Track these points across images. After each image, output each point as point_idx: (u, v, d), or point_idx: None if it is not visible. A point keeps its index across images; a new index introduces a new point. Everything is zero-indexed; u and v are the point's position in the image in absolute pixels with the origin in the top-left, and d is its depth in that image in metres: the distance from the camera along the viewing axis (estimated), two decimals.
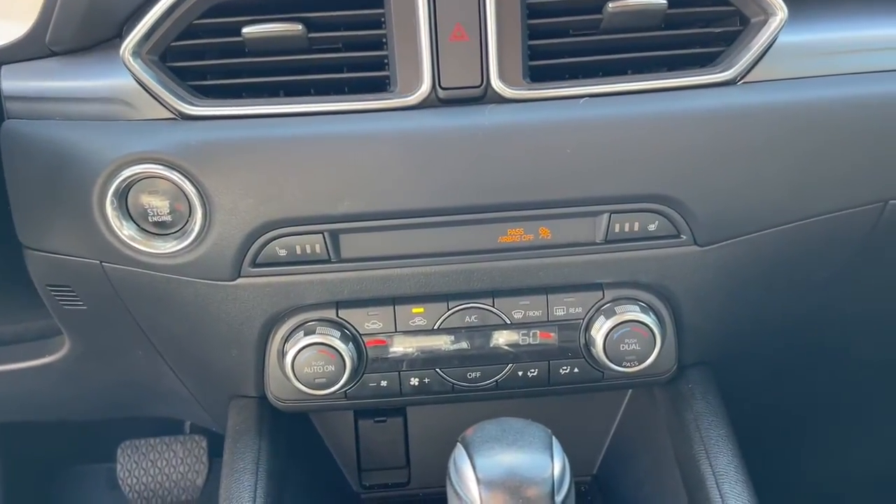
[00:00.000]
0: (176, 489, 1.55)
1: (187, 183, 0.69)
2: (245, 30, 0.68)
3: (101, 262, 0.75)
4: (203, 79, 0.71)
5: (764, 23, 0.70)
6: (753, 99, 0.71)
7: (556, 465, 0.55)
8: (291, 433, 0.88)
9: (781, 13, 0.69)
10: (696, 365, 0.86)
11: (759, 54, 0.71)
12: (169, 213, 0.71)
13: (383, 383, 0.81)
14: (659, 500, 0.86)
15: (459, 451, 0.57)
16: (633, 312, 0.77)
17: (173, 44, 0.70)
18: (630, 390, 0.94)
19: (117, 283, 0.76)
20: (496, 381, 0.81)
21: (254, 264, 0.74)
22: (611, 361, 0.78)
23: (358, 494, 0.97)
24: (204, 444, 1.54)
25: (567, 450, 0.61)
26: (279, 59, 0.70)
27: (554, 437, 0.58)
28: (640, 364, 0.78)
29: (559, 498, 0.54)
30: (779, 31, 0.70)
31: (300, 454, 0.90)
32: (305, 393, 0.78)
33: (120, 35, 0.73)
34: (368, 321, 0.78)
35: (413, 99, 0.69)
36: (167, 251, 0.72)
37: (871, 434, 1.17)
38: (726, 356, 0.86)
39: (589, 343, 0.79)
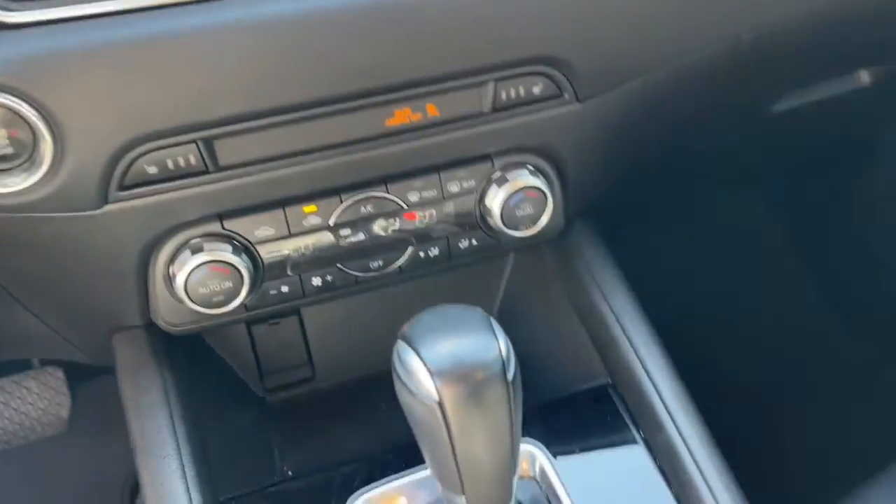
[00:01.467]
0: (39, 426, 1.46)
1: (25, 106, 0.59)
2: None
3: None
4: None
5: None
6: None
7: (501, 344, 0.56)
8: (187, 355, 0.84)
9: None
10: (581, 217, 0.89)
11: None
12: (9, 145, 0.60)
13: (284, 289, 0.77)
14: (559, 346, 0.90)
15: (403, 348, 0.57)
16: (525, 178, 0.77)
17: None
18: (512, 254, 0.96)
19: None
20: (399, 266, 0.80)
21: (121, 187, 0.66)
22: (508, 228, 0.79)
23: (263, 399, 0.95)
24: (60, 374, 1.44)
25: None
26: None
27: (492, 318, 0.58)
28: (534, 226, 0.80)
29: (510, 376, 0.56)
30: None
31: (200, 374, 0.86)
32: (202, 314, 0.73)
33: None
34: (258, 228, 0.73)
35: None
36: (16, 188, 0.62)
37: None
38: (607, 204, 0.90)
39: (485, 214, 0.79)
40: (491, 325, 0.57)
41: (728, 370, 0.88)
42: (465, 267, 0.86)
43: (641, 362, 0.77)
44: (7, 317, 0.83)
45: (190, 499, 0.68)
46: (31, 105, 0.59)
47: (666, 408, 0.74)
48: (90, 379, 1.44)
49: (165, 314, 0.75)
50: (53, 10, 0.59)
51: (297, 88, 0.65)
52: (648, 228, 1.06)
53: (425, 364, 0.55)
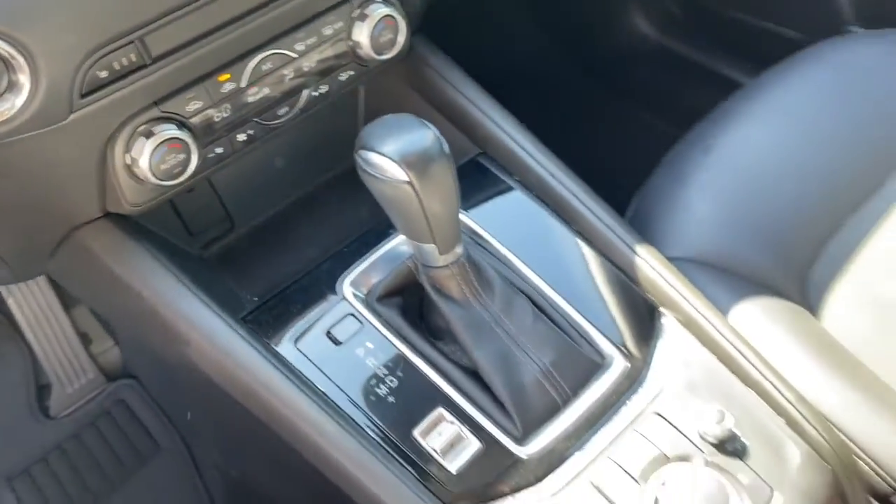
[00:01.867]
0: None
1: (3, 44, 0.68)
2: None
3: None
4: None
5: None
6: None
7: (433, 130, 0.79)
8: (139, 231, 0.97)
9: None
10: (416, 34, 1.10)
11: None
12: None
13: (219, 150, 0.92)
14: None
15: (366, 153, 0.77)
16: (380, 9, 0.96)
17: None
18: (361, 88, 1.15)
19: None
20: (300, 108, 0.97)
21: (81, 96, 0.77)
22: (377, 55, 0.98)
23: (201, 256, 1.11)
24: None
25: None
26: None
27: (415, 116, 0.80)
28: (394, 48, 1.00)
29: (446, 149, 0.79)
30: None
31: (154, 243, 0.99)
32: (164, 186, 0.88)
33: None
34: (188, 105, 0.87)
35: None
36: (8, 115, 0.72)
37: None
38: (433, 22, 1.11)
39: (356, 48, 0.98)
40: (421, 121, 0.80)
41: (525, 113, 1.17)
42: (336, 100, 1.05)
43: (505, 131, 1.04)
44: None
45: (223, 319, 0.87)
46: (8, 43, 0.68)
47: (531, 157, 1.02)
48: None
49: (130, 197, 0.88)
50: None
51: None
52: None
53: (390, 158, 0.77)
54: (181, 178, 0.88)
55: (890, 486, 0.90)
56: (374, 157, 0.78)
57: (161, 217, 1.06)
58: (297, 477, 1.09)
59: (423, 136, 0.79)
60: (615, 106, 1.87)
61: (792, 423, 0.86)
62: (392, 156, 0.77)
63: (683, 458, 0.81)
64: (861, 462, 0.90)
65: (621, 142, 1.69)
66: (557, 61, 1.97)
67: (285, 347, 0.89)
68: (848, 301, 1.09)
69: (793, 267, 1.12)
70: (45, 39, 0.71)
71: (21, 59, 0.70)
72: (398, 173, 0.77)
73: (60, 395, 1.53)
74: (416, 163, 0.77)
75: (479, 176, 1.04)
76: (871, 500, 0.87)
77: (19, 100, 0.72)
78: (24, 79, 0.71)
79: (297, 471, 1.04)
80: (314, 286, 0.94)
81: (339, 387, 0.86)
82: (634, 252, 0.98)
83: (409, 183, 0.78)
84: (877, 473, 0.90)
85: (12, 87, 0.72)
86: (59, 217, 0.91)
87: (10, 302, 1.51)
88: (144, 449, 1.51)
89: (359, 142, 0.80)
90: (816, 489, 0.83)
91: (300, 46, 0.93)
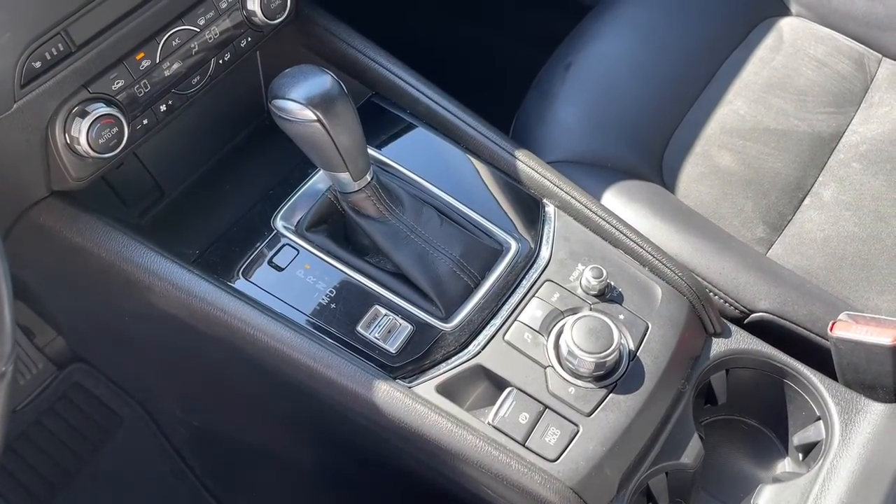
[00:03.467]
0: None
1: None
2: None
3: None
4: None
5: None
6: None
7: (331, 75, 0.94)
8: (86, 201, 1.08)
9: None
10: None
11: None
12: None
13: (145, 121, 1.05)
14: None
15: (278, 100, 0.92)
16: None
17: None
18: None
19: None
20: (209, 76, 1.10)
21: (20, 86, 0.89)
22: (269, 20, 1.12)
23: (139, 224, 1.22)
24: None
25: None
26: None
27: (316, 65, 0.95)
28: (285, 12, 1.13)
29: (345, 90, 0.95)
30: None
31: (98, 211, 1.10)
32: (102, 159, 1.00)
33: None
34: (112, 84, 0.99)
35: None
36: None
37: None
38: None
39: (250, 16, 1.10)
40: (320, 68, 0.95)
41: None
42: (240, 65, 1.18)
43: (393, 72, 1.19)
44: None
45: (178, 264, 1.00)
46: None
47: (419, 91, 1.18)
48: None
49: (74, 172, 1.00)
50: None
51: None
52: None
53: (298, 102, 0.92)
54: (117, 151, 1.00)
55: (739, 310, 1.13)
56: (285, 103, 0.93)
57: (97, 193, 1.18)
58: (258, 403, 1.24)
59: (323, 80, 0.94)
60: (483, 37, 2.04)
61: (655, 270, 1.07)
62: (300, 100, 0.92)
63: (574, 310, 1.01)
64: (712, 293, 1.12)
65: (497, 69, 1.87)
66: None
67: (236, 280, 1.04)
68: (694, 175, 1.32)
69: (648, 155, 1.34)
70: None
71: None
72: (307, 114, 0.93)
73: (15, 389, 1.61)
74: (321, 103, 0.93)
75: (375, 114, 1.20)
76: (726, 321, 1.09)
77: None
78: None
79: (258, 395, 1.19)
80: (250, 227, 1.08)
81: (288, 304, 1.01)
82: (517, 159, 1.17)
83: (318, 121, 0.93)
84: (726, 301, 1.13)
85: None
86: (10, 200, 1.02)
87: None
88: (106, 423, 1.62)
89: (270, 93, 0.95)
90: (678, 317, 1.04)
91: (201, 21, 1.06)
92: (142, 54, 1.01)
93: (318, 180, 1.12)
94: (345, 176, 1.00)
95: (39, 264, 1.16)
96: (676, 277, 1.06)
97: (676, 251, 1.13)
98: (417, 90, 1.19)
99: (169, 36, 1.03)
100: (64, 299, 1.35)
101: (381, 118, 1.20)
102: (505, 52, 1.90)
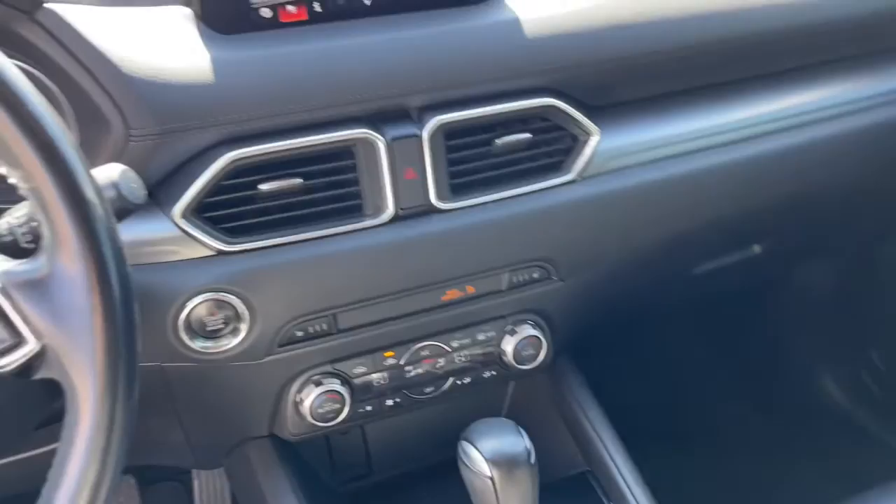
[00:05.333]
0: None
1: (237, 300, 0.98)
2: (262, 186, 0.97)
3: (160, 364, 1.01)
4: (227, 222, 0.99)
5: (587, 139, 1.12)
6: (591, 189, 1.13)
7: (527, 441, 0.94)
8: (293, 457, 1.19)
9: (597, 135, 1.11)
10: (562, 355, 1.29)
11: (589, 159, 1.12)
12: (223, 323, 0.99)
13: (368, 408, 1.15)
14: (550, 443, 1.27)
15: (466, 445, 0.95)
16: (528, 330, 1.17)
17: (205, 200, 0.97)
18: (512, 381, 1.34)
19: (171, 376, 1.03)
20: (443, 391, 1.18)
21: (279, 346, 1.04)
22: (518, 364, 1.18)
23: (335, 489, 1.30)
24: (132, 480, 1.74)
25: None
26: (285, 202, 1.00)
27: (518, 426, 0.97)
28: (534, 362, 1.19)
29: (532, 460, 0.94)
30: (598, 143, 1.12)
31: (300, 469, 1.21)
32: (317, 426, 1.10)
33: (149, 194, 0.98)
34: (355, 368, 1.11)
35: (382, 219, 1.03)
36: (226, 348, 1.00)
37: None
38: (582, 347, 1.30)
39: (501, 354, 1.18)
40: (519, 430, 0.96)
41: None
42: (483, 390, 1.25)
43: (611, 456, 1.16)
44: (155, 425, 1.18)
45: None
46: (241, 300, 0.98)
47: (628, 487, 1.12)
48: (155, 483, 1.76)
49: (292, 427, 1.12)
50: (250, 243, 0.98)
51: (392, 283, 1.05)
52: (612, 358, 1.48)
53: (482, 453, 0.93)
54: (332, 423, 1.10)
55: None
56: (470, 449, 0.95)
57: (316, 447, 1.29)
58: None
59: (514, 442, 0.95)
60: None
61: None
62: (484, 452, 0.94)
63: None
64: None
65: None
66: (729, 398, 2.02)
67: None
68: None
69: None
70: (266, 304, 0.99)
71: (247, 314, 0.99)
72: (484, 468, 0.93)
73: None
74: (502, 463, 0.93)
75: (576, 488, 1.15)
76: None
77: (235, 341, 1.00)
78: (243, 327, 1.00)
79: None
80: None
81: None
82: None
83: (491, 478, 0.93)
84: None
85: (234, 331, 1.00)
86: (237, 427, 1.16)
87: (195, 483, 1.78)
88: None
89: (464, 433, 0.98)
90: None
91: (455, 343, 1.16)
92: (391, 353, 1.13)
93: None
94: None
95: (241, 486, 1.28)
96: None
97: None
98: (629, 487, 1.13)
99: (420, 346, 1.14)
100: None
101: (579, 496, 1.15)
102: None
